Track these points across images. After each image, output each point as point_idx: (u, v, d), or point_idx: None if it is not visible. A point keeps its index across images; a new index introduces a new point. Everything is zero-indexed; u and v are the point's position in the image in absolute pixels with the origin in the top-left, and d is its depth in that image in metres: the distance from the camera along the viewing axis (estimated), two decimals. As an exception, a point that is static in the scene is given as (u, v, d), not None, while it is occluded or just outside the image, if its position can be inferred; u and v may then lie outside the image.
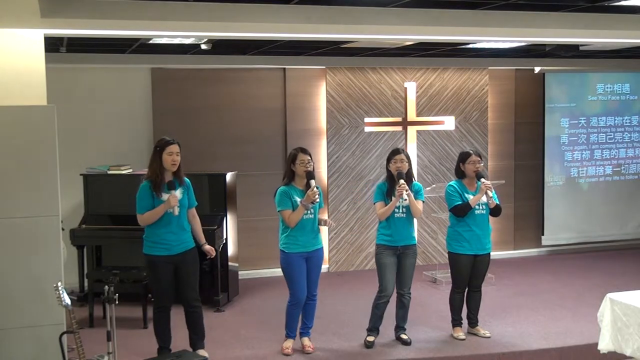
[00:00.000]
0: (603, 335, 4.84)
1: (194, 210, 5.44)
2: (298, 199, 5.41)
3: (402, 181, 5.56)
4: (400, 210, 5.67)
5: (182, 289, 5.30)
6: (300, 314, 5.63)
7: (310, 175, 5.41)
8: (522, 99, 9.28)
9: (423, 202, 5.78)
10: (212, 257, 5.57)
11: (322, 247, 5.64)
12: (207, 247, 5.47)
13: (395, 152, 5.73)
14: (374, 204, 5.78)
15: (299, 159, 5.43)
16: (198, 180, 6.45)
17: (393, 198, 5.62)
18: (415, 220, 5.91)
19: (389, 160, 5.72)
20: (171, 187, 5.14)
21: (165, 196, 5.11)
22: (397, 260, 5.72)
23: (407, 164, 5.67)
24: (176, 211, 5.14)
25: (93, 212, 7.13)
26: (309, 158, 5.46)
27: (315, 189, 5.33)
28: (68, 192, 6.73)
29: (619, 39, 6.26)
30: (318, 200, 5.40)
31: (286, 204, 5.40)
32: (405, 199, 5.56)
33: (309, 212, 5.44)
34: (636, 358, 4.62)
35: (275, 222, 5.63)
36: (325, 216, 8.46)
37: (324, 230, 8.47)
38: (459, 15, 5.49)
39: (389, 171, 5.72)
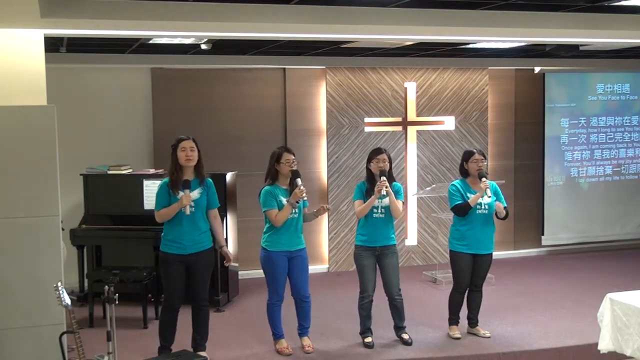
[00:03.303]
0: (603, 335, 4.85)
1: (215, 211, 5.41)
2: (283, 199, 5.42)
3: (383, 177, 5.57)
4: (379, 211, 5.65)
5: (192, 288, 5.32)
6: (280, 312, 5.60)
7: (296, 174, 5.41)
8: (522, 99, 9.28)
9: (402, 202, 5.76)
10: (228, 262, 5.49)
11: (305, 248, 5.61)
12: (225, 250, 5.44)
13: (378, 151, 5.72)
14: (353, 202, 5.78)
15: (284, 158, 5.44)
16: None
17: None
18: (399, 221, 5.88)
19: (370, 159, 5.72)
20: (186, 186, 5.14)
21: (180, 194, 5.13)
22: (377, 261, 5.72)
23: (388, 164, 5.67)
24: (187, 210, 5.13)
25: (93, 212, 7.13)
26: (294, 157, 5.48)
27: (301, 187, 5.34)
28: (68, 192, 6.72)
29: (619, 39, 6.26)
30: (306, 198, 5.42)
31: (272, 203, 5.40)
32: (386, 197, 5.56)
33: (294, 211, 5.44)
34: (636, 358, 4.62)
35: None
36: (324, 218, 8.46)
37: (323, 230, 8.51)
38: (459, 15, 5.49)
39: (369, 170, 5.72)
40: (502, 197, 5.93)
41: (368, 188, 5.67)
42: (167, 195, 5.19)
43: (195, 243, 5.24)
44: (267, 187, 5.47)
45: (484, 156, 5.86)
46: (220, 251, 5.48)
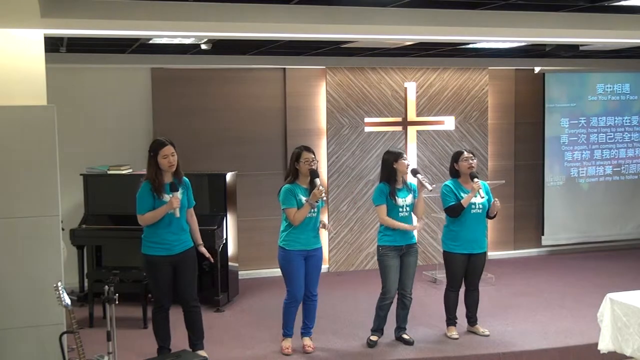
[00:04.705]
0: (603, 335, 4.85)
1: (191, 210, 5.43)
2: (302, 198, 5.43)
3: (420, 175, 5.70)
4: (404, 209, 5.67)
5: (180, 288, 5.29)
6: (296, 313, 5.62)
7: (315, 173, 5.43)
8: (522, 99, 9.29)
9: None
10: (210, 261, 5.57)
11: (321, 247, 5.65)
12: (204, 249, 5.44)
13: (400, 153, 5.72)
14: (376, 205, 5.72)
15: (303, 157, 5.44)
16: (198, 180, 6.45)
17: (397, 198, 5.61)
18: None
19: (396, 160, 5.64)
20: (173, 188, 5.13)
21: (167, 197, 5.10)
22: (400, 260, 5.73)
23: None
24: (177, 213, 5.13)
25: (93, 212, 7.14)
26: (313, 156, 5.48)
27: (320, 187, 5.36)
28: (68, 192, 6.73)
29: (619, 39, 6.26)
30: (325, 198, 5.44)
31: (291, 202, 5.41)
32: (433, 186, 5.67)
33: (312, 210, 5.45)
34: (636, 358, 4.62)
35: (275, 222, 5.64)
36: (325, 217, 8.47)
37: (323, 231, 8.49)
38: (459, 15, 5.49)
39: (393, 170, 5.64)
40: (492, 196, 5.97)
41: (391, 190, 5.63)
42: (151, 199, 5.12)
43: (181, 242, 5.24)
44: (287, 185, 5.49)
45: (473, 154, 5.90)
46: (199, 250, 5.42)
